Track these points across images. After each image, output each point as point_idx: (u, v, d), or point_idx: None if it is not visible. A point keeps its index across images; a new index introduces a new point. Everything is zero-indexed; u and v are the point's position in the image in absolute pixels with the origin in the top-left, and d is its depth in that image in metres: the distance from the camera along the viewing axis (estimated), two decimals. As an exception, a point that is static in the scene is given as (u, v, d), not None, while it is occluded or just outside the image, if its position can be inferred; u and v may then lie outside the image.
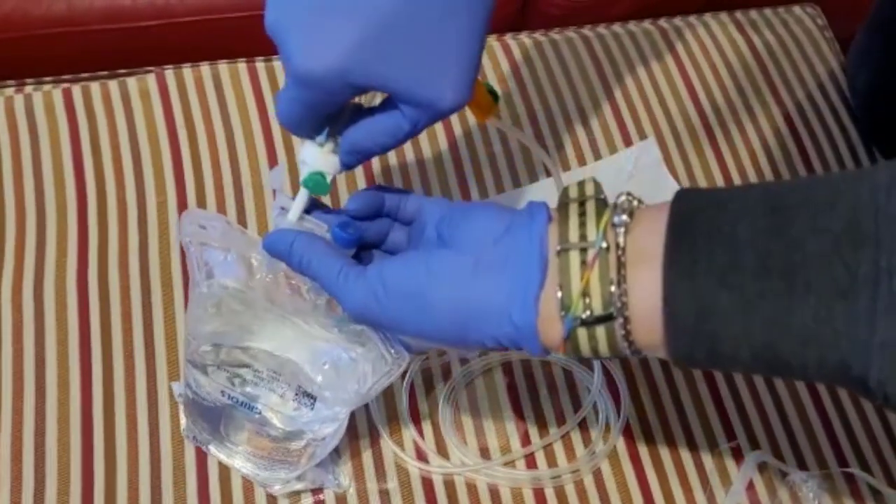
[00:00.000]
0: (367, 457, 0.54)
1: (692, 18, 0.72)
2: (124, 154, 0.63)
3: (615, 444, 0.55)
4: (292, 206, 0.45)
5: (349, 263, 0.42)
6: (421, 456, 0.54)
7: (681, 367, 0.38)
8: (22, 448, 0.53)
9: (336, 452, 0.53)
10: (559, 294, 0.37)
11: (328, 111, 0.42)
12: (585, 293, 0.37)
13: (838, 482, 0.55)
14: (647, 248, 0.36)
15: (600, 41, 0.70)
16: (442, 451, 0.54)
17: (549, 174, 0.64)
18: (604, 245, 0.37)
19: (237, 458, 0.52)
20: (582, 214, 0.38)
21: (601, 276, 0.37)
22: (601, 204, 0.39)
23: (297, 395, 0.48)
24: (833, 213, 0.33)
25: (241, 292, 0.47)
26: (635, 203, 0.38)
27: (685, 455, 0.55)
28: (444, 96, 0.40)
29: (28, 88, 0.65)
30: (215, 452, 0.53)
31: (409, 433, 0.55)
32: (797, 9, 0.73)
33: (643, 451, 0.55)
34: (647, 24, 0.72)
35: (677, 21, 0.72)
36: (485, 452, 0.54)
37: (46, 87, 0.65)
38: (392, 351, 0.45)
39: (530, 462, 0.54)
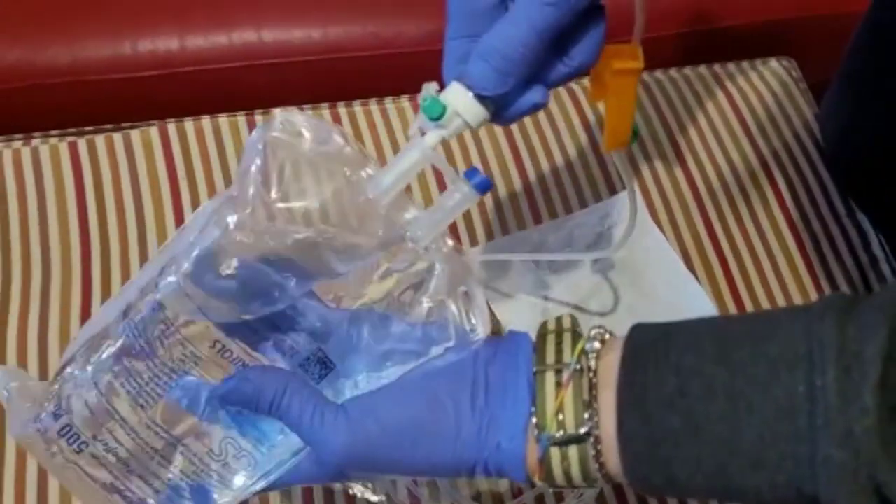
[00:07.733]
0: None
1: (672, 71, 0.75)
2: (127, 203, 0.65)
3: (602, 487, 0.57)
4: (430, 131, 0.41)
5: (322, 401, 0.39)
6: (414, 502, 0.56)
7: (646, 493, 0.39)
8: (25, 489, 0.55)
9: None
10: (534, 419, 0.38)
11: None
12: (559, 411, 0.38)
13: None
14: (613, 375, 0.37)
15: (584, 93, 0.73)
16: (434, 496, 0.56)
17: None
18: (577, 367, 0.38)
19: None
20: (559, 343, 0.40)
21: (574, 395, 0.38)
22: (576, 335, 0.40)
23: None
24: (771, 341, 0.35)
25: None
26: (607, 335, 0.40)
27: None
28: None
29: (35, 141, 0.68)
30: None
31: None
32: (773, 62, 0.77)
33: (630, 494, 0.57)
34: (629, 76, 0.75)
35: (658, 74, 0.75)
36: (476, 496, 0.56)
37: (53, 141, 0.68)
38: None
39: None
